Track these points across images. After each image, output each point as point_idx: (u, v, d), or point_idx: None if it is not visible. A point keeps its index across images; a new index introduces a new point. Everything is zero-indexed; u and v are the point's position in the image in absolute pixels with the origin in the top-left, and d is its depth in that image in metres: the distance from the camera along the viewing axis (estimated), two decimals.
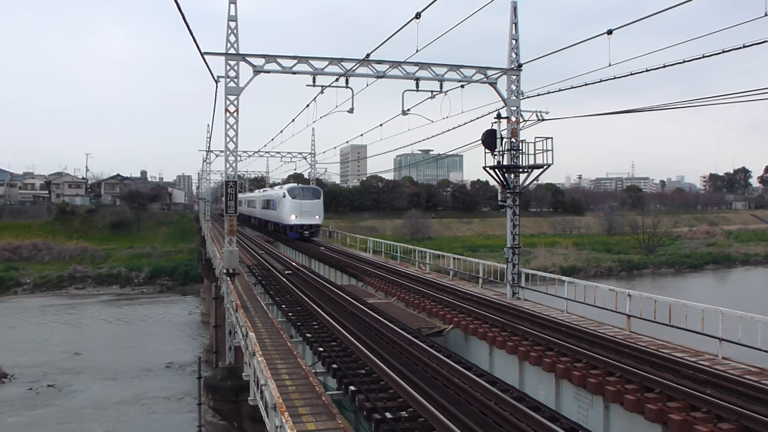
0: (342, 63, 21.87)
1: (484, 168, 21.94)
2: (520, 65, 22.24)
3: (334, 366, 13.75)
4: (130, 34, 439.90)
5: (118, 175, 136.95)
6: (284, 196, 49.48)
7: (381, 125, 29.89)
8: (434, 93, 22.65)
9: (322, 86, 22.45)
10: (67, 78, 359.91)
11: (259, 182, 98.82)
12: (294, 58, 21.79)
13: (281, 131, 46.92)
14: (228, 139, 21.50)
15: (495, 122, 22.34)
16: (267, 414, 10.98)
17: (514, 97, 22.41)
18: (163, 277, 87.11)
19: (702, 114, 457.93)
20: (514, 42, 22.14)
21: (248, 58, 21.45)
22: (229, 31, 21.04)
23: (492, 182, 33.65)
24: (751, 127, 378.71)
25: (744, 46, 13.79)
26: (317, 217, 49.33)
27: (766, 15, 11.83)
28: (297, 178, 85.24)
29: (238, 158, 21.82)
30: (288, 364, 14.15)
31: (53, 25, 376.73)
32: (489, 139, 22.01)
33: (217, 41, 21.50)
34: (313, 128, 65.48)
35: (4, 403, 38.44)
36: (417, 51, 18.47)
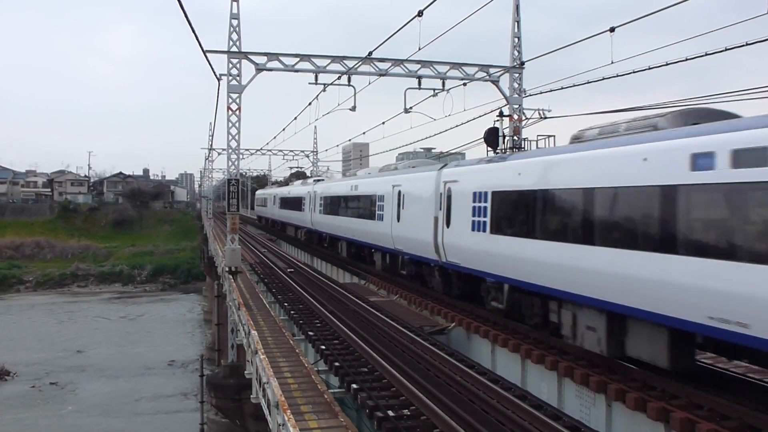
0: (344, 61, 21.83)
1: None
2: (522, 63, 22.22)
3: (337, 364, 13.75)
4: (137, 32, 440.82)
5: (121, 173, 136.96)
6: None
7: (383, 123, 29.91)
8: (436, 91, 22.63)
9: (324, 84, 22.41)
10: (71, 76, 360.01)
11: (261, 180, 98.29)
12: (296, 56, 21.74)
13: (283, 129, 47.10)
14: (230, 137, 21.51)
15: (497, 120, 22.32)
16: (269, 412, 10.99)
17: (517, 95, 22.39)
18: (165, 275, 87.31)
19: None
20: (516, 40, 22.12)
21: (250, 56, 21.43)
22: (232, 29, 21.04)
23: None
24: None
25: (747, 44, 13.77)
26: None
27: None
28: (299, 175, 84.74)
29: (241, 156, 21.83)
30: (290, 362, 14.16)
31: (59, 23, 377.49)
32: (491, 137, 21.98)
33: (224, 42, 21.55)
34: (315, 126, 65.87)
35: (7, 401, 38.55)
36: (419, 49, 18.48)
